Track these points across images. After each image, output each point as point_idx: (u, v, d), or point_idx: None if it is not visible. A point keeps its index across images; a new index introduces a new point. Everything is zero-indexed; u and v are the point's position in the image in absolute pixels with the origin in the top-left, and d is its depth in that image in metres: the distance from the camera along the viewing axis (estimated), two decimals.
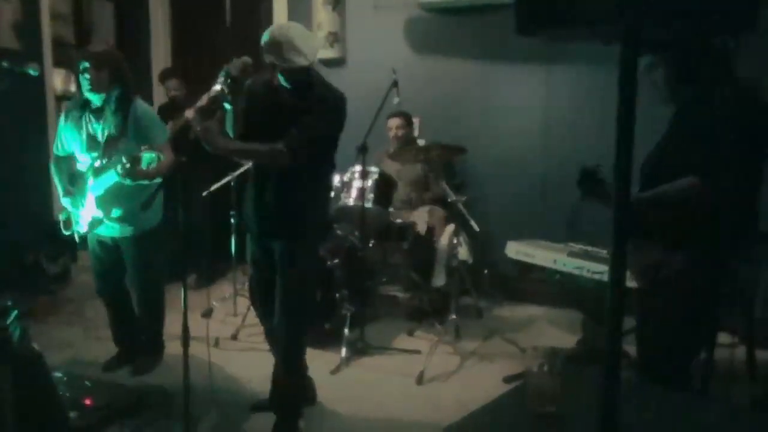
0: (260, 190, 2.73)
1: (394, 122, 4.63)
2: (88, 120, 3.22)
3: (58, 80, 5.60)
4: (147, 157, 2.96)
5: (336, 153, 2.79)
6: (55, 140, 3.38)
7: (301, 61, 2.52)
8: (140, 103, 3.25)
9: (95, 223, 3.25)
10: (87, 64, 3.10)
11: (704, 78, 2.24)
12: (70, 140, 3.29)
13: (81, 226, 3.30)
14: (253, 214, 2.77)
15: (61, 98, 5.65)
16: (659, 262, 2.30)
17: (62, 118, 3.33)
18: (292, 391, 2.88)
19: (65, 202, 3.33)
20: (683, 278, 2.21)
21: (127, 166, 2.97)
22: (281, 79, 2.62)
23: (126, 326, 3.58)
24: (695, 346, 2.40)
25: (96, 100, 3.18)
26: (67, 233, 3.37)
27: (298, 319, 2.78)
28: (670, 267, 2.25)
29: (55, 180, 3.38)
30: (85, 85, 3.14)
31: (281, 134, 2.57)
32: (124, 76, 3.19)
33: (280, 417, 2.84)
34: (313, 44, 2.59)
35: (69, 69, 5.67)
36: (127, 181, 3.06)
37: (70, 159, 3.34)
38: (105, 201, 3.23)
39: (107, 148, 3.18)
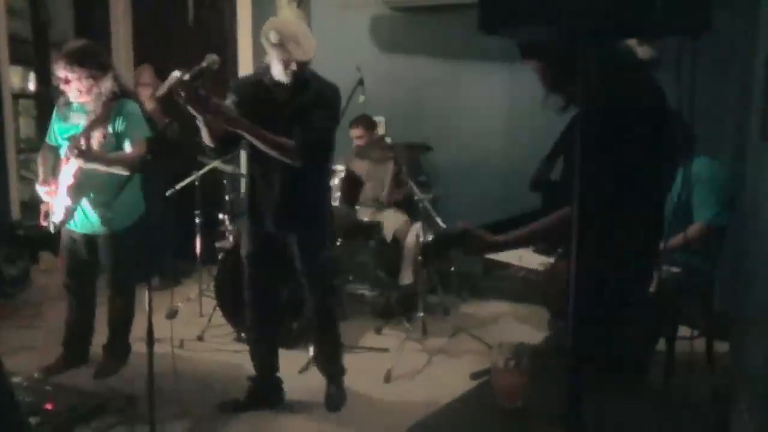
0: (270, 185, 2.78)
1: (355, 132, 4.61)
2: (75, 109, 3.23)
3: (15, 77, 5.44)
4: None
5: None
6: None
7: (307, 56, 2.60)
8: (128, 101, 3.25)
9: (69, 212, 3.21)
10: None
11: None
12: (58, 129, 3.29)
13: (57, 217, 3.25)
14: (266, 209, 2.81)
15: (18, 96, 5.51)
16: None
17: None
18: (340, 357, 3.19)
19: (41, 191, 3.28)
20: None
21: (80, 143, 3.01)
22: (281, 75, 2.62)
23: (82, 329, 3.50)
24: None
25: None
26: (44, 225, 3.31)
27: (335, 296, 3.08)
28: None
29: (38, 168, 3.35)
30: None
31: (280, 132, 2.60)
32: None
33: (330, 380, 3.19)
34: (312, 39, 2.65)
35: (25, 65, 5.54)
36: (80, 162, 3.06)
37: (57, 149, 3.31)
38: (73, 190, 3.19)
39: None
